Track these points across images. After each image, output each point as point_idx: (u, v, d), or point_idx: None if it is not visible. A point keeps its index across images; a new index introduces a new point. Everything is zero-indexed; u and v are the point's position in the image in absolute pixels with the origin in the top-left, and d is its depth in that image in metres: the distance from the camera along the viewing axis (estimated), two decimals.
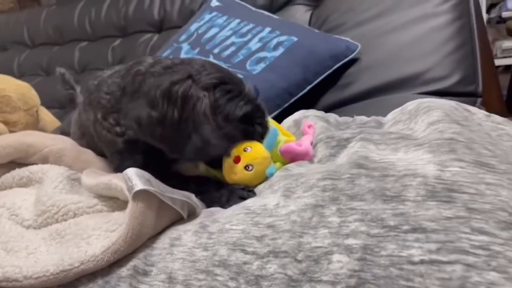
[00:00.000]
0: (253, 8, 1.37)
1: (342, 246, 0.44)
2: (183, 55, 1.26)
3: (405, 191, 0.48)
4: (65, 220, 0.62)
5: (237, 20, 1.28)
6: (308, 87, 1.13)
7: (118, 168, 0.73)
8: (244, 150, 0.65)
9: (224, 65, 0.82)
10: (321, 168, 0.59)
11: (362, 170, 0.54)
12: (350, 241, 0.44)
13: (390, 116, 0.77)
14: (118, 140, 0.72)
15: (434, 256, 0.40)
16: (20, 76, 1.72)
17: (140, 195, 0.55)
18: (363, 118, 0.81)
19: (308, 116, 0.81)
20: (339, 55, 1.15)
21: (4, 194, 0.71)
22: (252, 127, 0.69)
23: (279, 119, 0.87)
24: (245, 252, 0.48)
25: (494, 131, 0.67)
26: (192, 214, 0.61)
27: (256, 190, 0.62)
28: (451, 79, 1.03)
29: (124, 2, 1.68)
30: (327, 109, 1.16)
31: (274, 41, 1.17)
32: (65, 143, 0.80)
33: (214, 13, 1.36)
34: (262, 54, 1.15)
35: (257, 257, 0.47)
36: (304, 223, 0.49)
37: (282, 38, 1.17)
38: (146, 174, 0.57)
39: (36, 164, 0.77)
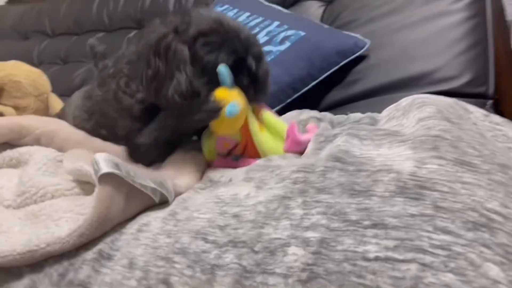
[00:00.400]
0: (265, 2, 1.35)
1: (300, 239, 0.42)
2: None
3: (375, 186, 0.46)
4: (43, 201, 0.62)
5: (247, 13, 1.27)
6: (313, 83, 1.11)
7: (127, 136, 0.75)
8: None
9: None
10: (299, 161, 0.57)
11: (338, 164, 0.52)
12: (309, 234, 0.42)
13: (385, 112, 0.74)
14: (135, 106, 0.74)
15: (390, 254, 0.37)
16: (39, 64, 1.76)
17: (108, 179, 0.54)
18: (358, 115, 0.78)
19: (304, 119, 0.78)
20: (346, 51, 1.12)
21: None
22: (237, 78, 0.68)
23: (280, 114, 0.85)
24: (206, 240, 0.47)
25: (490, 131, 0.63)
26: (166, 201, 0.60)
27: (233, 179, 0.60)
28: (460, 79, 0.99)
29: None
30: (332, 106, 1.13)
31: (281, 35, 1.15)
32: (57, 125, 0.80)
33: (226, 6, 1.35)
34: (268, 48, 1.13)
35: (216, 246, 0.46)
36: (268, 214, 0.47)
37: (290, 32, 1.15)
38: (116, 159, 0.56)
39: (29, 145, 0.78)
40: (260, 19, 1.22)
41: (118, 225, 0.56)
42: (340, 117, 0.80)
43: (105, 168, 0.54)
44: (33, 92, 1.28)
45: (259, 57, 0.71)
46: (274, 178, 0.53)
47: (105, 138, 0.82)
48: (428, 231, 0.38)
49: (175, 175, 0.66)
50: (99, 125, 0.84)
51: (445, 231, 0.38)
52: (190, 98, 0.66)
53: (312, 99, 1.13)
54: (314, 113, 0.79)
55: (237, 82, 0.68)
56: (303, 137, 0.67)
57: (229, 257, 0.44)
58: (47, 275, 0.53)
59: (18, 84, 1.26)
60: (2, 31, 1.96)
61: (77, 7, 1.81)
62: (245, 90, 0.68)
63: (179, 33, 0.67)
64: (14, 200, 0.64)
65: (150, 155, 0.73)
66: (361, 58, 1.15)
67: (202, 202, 0.55)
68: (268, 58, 1.11)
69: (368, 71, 1.13)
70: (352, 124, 0.73)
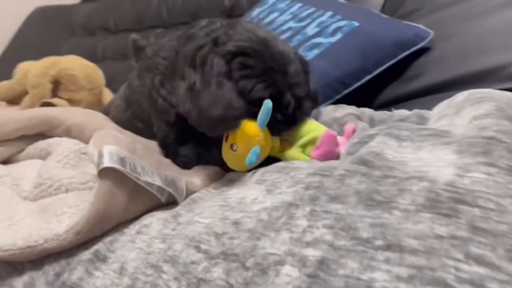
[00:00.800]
0: None
1: (297, 257, 0.35)
2: None
3: (399, 197, 0.37)
4: (57, 194, 0.60)
5: (299, 4, 1.19)
6: (366, 78, 1.01)
7: (163, 139, 0.70)
8: None
9: None
10: (320, 164, 0.49)
11: (362, 168, 0.43)
12: (309, 252, 0.35)
13: (436, 109, 0.64)
14: (171, 111, 0.65)
15: (401, 286, 0.29)
16: (101, 60, 1.81)
17: (110, 174, 0.50)
18: (404, 112, 0.68)
19: (339, 117, 0.69)
20: (406, 43, 1.00)
21: (21, 164, 0.72)
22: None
23: None
24: (198, 249, 0.41)
25: None
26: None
27: (247, 180, 0.54)
28: None
29: None
30: (388, 104, 1.02)
31: (333, 26, 1.06)
32: (88, 117, 0.78)
33: None
34: (318, 39, 1.05)
35: (207, 257, 0.40)
36: (269, 223, 0.40)
37: (342, 23, 1.05)
38: (124, 153, 0.52)
39: (61, 137, 0.77)
40: (312, 9, 1.14)
41: (121, 225, 0.52)
42: (383, 114, 0.70)
43: (107, 162, 0.50)
44: (86, 86, 1.30)
45: (301, 99, 0.60)
46: (288, 181, 0.46)
47: (140, 131, 0.79)
48: (457, 260, 0.29)
49: (192, 173, 0.61)
50: (135, 117, 0.81)
51: (480, 261, 0.29)
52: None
53: (365, 96, 1.03)
54: (352, 109, 0.69)
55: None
56: (338, 148, 0.59)
57: (217, 271, 0.38)
58: (45, 273, 0.50)
59: (73, 77, 1.29)
60: (73, 28, 2.04)
61: (140, 3, 1.84)
62: (275, 124, 0.58)
63: (218, 45, 0.59)
64: (31, 191, 0.62)
65: (190, 166, 0.67)
66: (423, 51, 1.02)
67: (208, 205, 0.49)
68: (317, 51, 1.03)
69: (431, 64, 1.00)
70: (395, 122, 0.63)
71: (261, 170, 0.53)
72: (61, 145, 0.69)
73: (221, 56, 0.58)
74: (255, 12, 1.29)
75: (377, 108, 0.86)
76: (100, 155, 0.51)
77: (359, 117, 0.66)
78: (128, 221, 0.53)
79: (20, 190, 0.63)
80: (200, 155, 0.63)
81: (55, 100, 1.24)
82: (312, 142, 0.59)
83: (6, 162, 0.78)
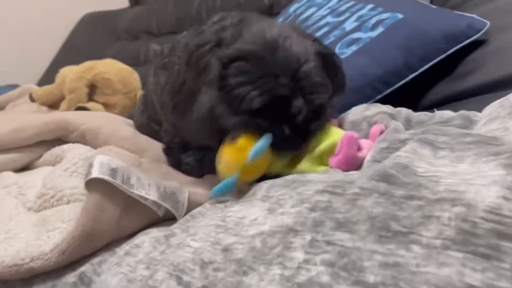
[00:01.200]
0: None
1: None
2: None
3: (422, 227, 0.28)
4: (58, 205, 0.56)
5: None
6: (411, 76, 0.90)
7: (168, 145, 0.66)
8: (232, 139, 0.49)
9: None
10: (336, 176, 0.41)
11: (381, 185, 0.35)
12: None
13: (487, 110, 0.53)
14: None
15: None
16: (144, 63, 1.81)
17: (100, 186, 0.45)
18: (446, 113, 0.58)
19: (370, 116, 0.59)
20: (457, 35, 0.89)
21: (32, 172, 0.69)
22: (273, 125, 0.50)
23: None
24: (179, 281, 0.35)
25: None
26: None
27: (253, 194, 0.46)
28: None
29: None
30: (435, 105, 0.91)
31: (374, 20, 0.96)
32: (103, 121, 0.75)
33: None
34: (356, 35, 0.96)
35: None
36: (261, 254, 0.33)
37: (384, 15, 0.95)
38: (117, 163, 0.47)
39: (78, 142, 0.74)
40: (351, 3, 1.05)
41: (114, 243, 0.47)
42: (422, 115, 0.60)
43: (95, 173, 0.45)
44: (122, 89, 1.29)
45: (319, 107, 0.52)
46: (294, 198, 0.39)
47: (156, 134, 0.74)
48: None
49: (198, 182, 0.55)
50: (151, 118, 0.76)
51: None
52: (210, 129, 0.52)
53: (410, 96, 0.92)
54: (386, 108, 0.59)
55: (272, 129, 0.49)
56: (362, 152, 0.50)
57: None
58: None
59: (109, 81, 1.28)
60: (118, 33, 2.07)
61: (181, 5, 1.82)
62: (281, 141, 0.50)
63: (221, 46, 0.52)
64: (34, 202, 0.59)
65: (194, 174, 0.62)
66: (477, 44, 0.90)
67: (205, 223, 0.43)
68: (355, 47, 0.93)
69: (486, 59, 0.88)
70: (433, 125, 0.53)
71: (269, 183, 0.45)
72: (72, 152, 0.66)
73: (219, 59, 0.51)
74: (292, 8, 1.22)
75: (423, 110, 0.75)
76: (90, 166, 0.47)
77: (393, 116, 0.56)
78: (123, 238, 0.47)
79: (25, 200, 0.60)
80: (201, 160, 0.58)
81: (90, 105, 1.23)
82: (330, 150, 0.50)
83: (25, 168, 0.76)
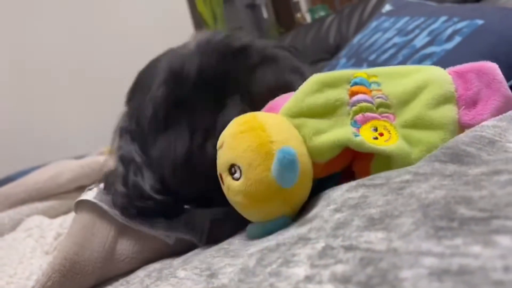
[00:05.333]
0: (434, 4, 1.05)
1: None
2: (337, 69, 1.05)
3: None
4: None
5: (406, 18, 0.99)
6: None
7: None
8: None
9: None
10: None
11: (450, 167, 0.22)
12: None
13: None
14: None
15: None
16: None
17: (91, 209, 0.36)
18: None
19: None
20: None
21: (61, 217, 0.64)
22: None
23: None
24: None
25: None
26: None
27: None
28: None
29: (304, 31, 1.57)
30: None
31: (449, 31, 0.83)
32: None
33: (382, 18, 1.10)
34: (429, 49, 0.83)
35: None
36: (250, 275, 0.21)
37: (461, 24, 0.82)
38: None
39: None
40: (421, 19, 0.93)
41: (112, 280, 0.37)
42: None
43: (90, 196, 0.37)
44: None
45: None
46: (319, 205, 0.26)
47: None
48: None
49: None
50: None
51: None
52: None
53: None
54: None
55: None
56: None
57: None
58: None
59: None
60: None
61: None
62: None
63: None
64: (51, 244, 0.52)
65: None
66: None
67: (210, 249, 0.31)
68: (429, 62, 0.80)
69: None
70: None
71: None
72: None
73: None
74: (357, 38, 1.12)
75: None
76: (88, 189, 0.39)
77: None
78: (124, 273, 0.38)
79: (44, 243, 0.54)
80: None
81: None
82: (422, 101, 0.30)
83: None
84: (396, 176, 0.23)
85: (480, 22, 0.81)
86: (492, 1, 1.04)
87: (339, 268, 0.17)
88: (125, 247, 0.37)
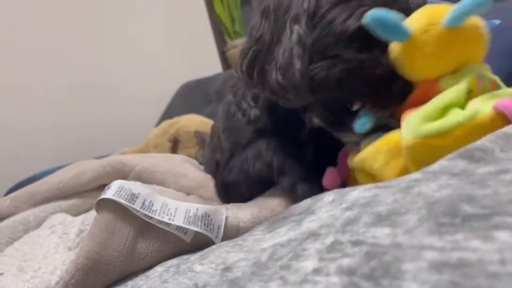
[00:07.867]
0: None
1: None
2: None
3: None
4: None
5: None
6: None
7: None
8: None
9: None
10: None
11: (460, 164, 0.23)
12: None
13: None
14: (246, 129, 0.51)
15: None
16: None
17: (112, 208, 0.38)
18: None
19: None
20: None
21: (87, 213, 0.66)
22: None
23: None
24: None
25: None
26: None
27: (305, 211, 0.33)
28: None
29: None
30: None
31: None
32: (158, 160, 0.70)
33: None
34: None
35: None
36: (263, 268, 0.22)
37: None
38: (140, 189, 0.40)
39: None
40: None
41: (131, 275, 0.38)
42: None
43: (110, 194, 0.38)
44: None
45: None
46: (333, 203, 0.27)
47: (215, 169, 0.66)
48: None
49: (243, 206, 0.45)
50: (214, 148, 0.68)
51: None
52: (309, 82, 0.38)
53: None
54: None
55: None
56: None
57: None
58: None
59: (191, 134, 1.27)
60: (210, 96, 2.13)
61: None
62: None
63: None
64: (73, 240, 0.54)
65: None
66: None
67: (224, 244, 0.33)
68: None
69: None
70: None
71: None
72: None
73: None
74: None
75: None
76: (107, 188, 0.40)
77: None
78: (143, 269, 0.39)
79: (68, 239, 0.56)
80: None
81: None
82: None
83: None
84: (407, 176, 0.24)
85: (497, 22, 0.80)
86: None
87: (346, 262, 0.17)
88: (145, 246, 0.39)
